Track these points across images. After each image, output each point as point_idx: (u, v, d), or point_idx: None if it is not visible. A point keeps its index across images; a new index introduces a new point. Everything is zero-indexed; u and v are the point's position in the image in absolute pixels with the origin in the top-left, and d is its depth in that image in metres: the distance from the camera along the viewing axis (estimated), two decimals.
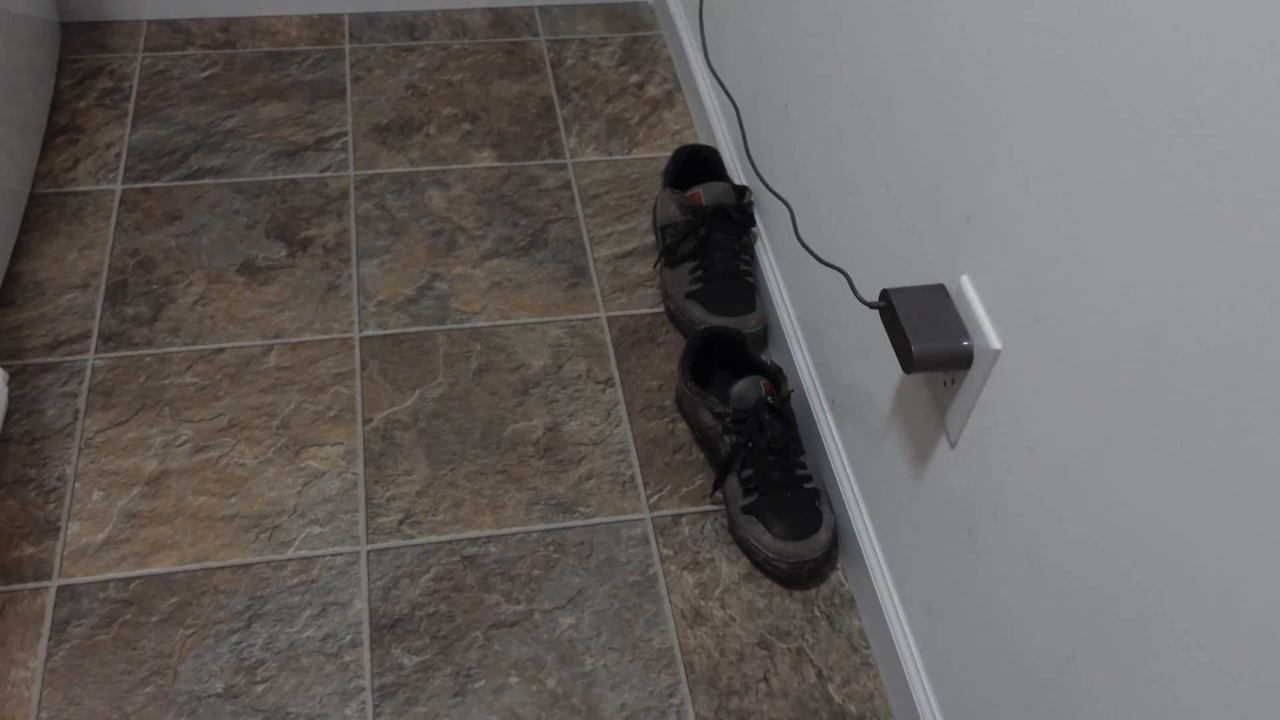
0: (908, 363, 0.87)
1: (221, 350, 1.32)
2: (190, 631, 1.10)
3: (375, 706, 1.07)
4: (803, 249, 1.23)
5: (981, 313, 0.85)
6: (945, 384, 0.92)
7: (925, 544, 1.01)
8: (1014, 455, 0.83)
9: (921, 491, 1.00)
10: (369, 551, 1.17)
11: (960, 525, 0.93)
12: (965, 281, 0.86)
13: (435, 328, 1.36)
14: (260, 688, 1.07)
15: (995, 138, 0.81)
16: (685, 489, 1.25)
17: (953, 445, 0.92)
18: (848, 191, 1.09)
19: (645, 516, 1.22)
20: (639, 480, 1.25)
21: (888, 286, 0.99)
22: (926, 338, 0.86)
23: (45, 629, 1.09)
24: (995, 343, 0.83)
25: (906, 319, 0.87)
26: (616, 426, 1.29)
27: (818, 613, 1.17)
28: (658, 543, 1.20)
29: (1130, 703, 0.72)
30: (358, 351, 1.33)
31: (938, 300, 0.89)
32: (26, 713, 1.04)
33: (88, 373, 1.28)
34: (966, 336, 0.86)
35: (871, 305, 0.91)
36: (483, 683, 1.09)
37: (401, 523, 1.19)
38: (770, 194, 1.31)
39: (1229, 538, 0.61)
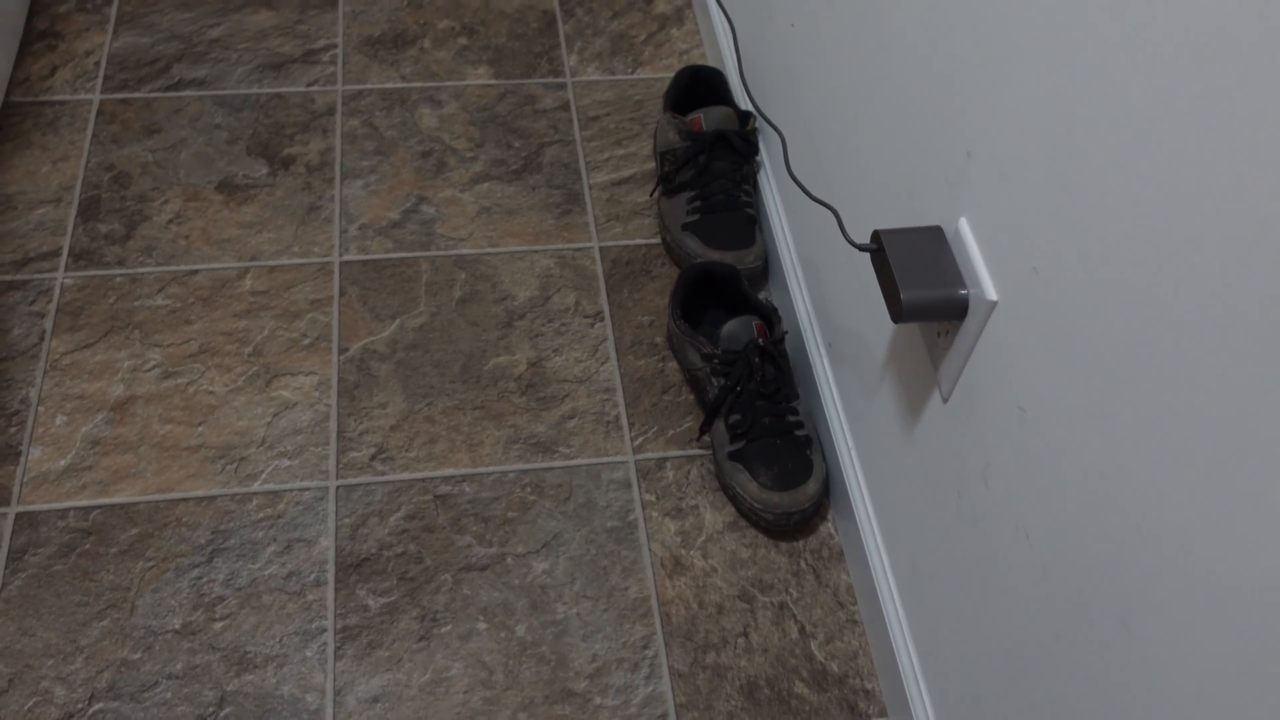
0: (896, 312, 0.80)
1: (195, 272, 1.26)
2: (150, 564, 1.07)
3: (337, 648, 1.03)
4: (794, 182, 1.15)
5: (979, 259, 0.77)
6: (940, 335, 0.85)
7: (915, 502, 0.94)
8: (1006, 416, 0.76)
9: (913, 447, 0.94)
10: (338, 487, 1.13)
11: (950, 486, 0.87)
12: (963, 224, 0.79)
13: (419, 254, 1.30)
14: (219, 625, 1.04)
15: (1002, 68, 0.72)
16: (672, 431, 1.19)
17: (945, 400, 0.86)
18: (845, 121, 1.01)
19: (628, 459, 1.17)
20: (624, 421, 1.19)
21: (882, 227, 0.91)
22: (918, 284, 0.79)
23: (2, 557, 1.06)
24: (992, 293, 0.76)
25: (898, 263, 0.80)
26: (603, 363, 1.23)
27: (804, 565, 1.11)
28: (640, 487, 1.15)
29: (1117, 690, 0.66)
30: (337, 277, 1.27)
31: (933, 244, 0.81)
32: None
33: (56, 292, 1.23)
34: (962, 285, 0.79)
35: (861, 247, 0.83)
36: (449, 628, 1.05)
37: (373, 458, 1.15)
38: (764, 122, 1.23)
39: (1231, 520, 0.55)
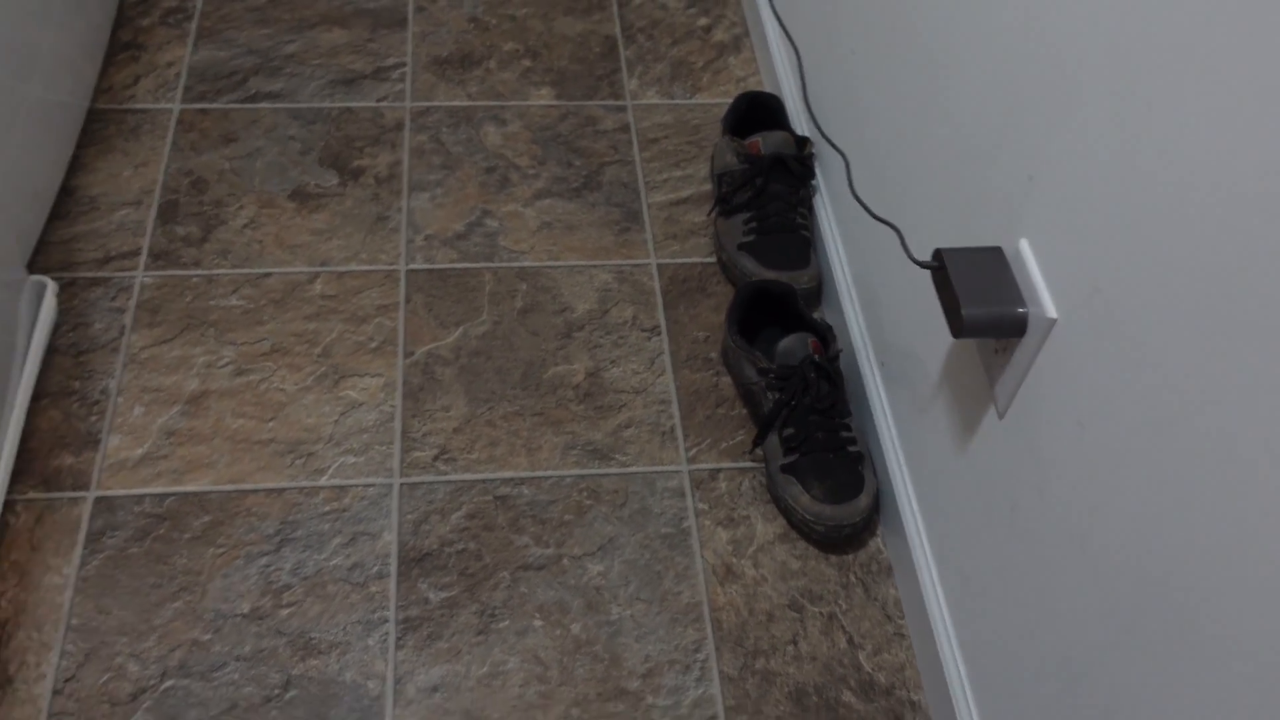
0: (957, 327, 0.83)
1: (268, 275, 1.31)
2: (221, 551, 1.11)
3: (398, 639, 1.07)
4: (856, 202, 1.19)
5: (1039, 279, 0.80)
6: (996, 351, 0.88)
7: (967, 517, 0.97)
8: (1064, 431, 0.79)
9: (966, 462, 0.96)
10: (402, 485, 1.17)
11: (1003, 500, 0.90)
12: (1024, 245, 0.82)
13: (482, 265, 1.34)
14: (285, 611, 1.08)
15: (1064, 94, 0.76)
16: (725, 444, 1.22)
17: (1001, 416, 0.89)
18: (908, 144, 1.05)
19: (683, 469, 1.20)
20: (678, 432, 1.23)
21: (942, 246, 0.95)
22: (978, 301, 0.82)
23: (81, 538, 1.10)
24: (1051, 311, 0.79)
25: (958, 281, 0.83)
26: (659, 376, 1.27)
27: (853, 579, 1.14)
28: (693, 496, 1.18)
29: (1171, 703, 0.68)
30: (403, 284, 1.32)
31: (994, 263, 0.84)
32: (58, 618, 1.05)
33: (136, 289, 1.28)
34: (1022, 303, 0.82)
35: (923, 265, 0.87)
36: (507, 623, 1.08)
37: (436, 458, 1.18)
38: (827, 144, 1.27)
39: None
